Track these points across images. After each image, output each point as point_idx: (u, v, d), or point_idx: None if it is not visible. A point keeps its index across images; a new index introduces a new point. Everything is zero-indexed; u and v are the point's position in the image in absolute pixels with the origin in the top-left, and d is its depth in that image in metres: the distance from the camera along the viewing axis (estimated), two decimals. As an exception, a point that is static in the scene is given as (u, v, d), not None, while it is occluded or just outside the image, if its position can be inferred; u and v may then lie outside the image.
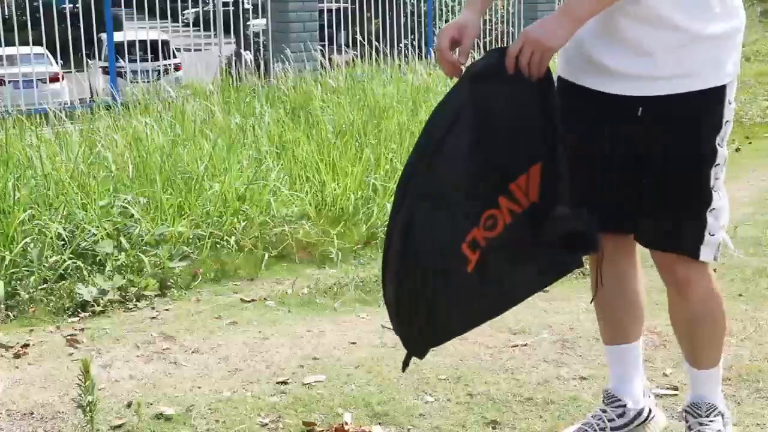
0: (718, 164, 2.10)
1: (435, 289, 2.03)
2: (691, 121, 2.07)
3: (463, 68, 2.07)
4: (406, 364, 2.15)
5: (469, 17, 2.13)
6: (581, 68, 2.14)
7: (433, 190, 1.96)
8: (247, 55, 11.78)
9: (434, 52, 2.21)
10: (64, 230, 4.25)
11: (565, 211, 2.07)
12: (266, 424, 2.61)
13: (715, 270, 2.29)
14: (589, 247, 2.14)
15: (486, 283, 2.07)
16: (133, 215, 4.44)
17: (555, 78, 2.13)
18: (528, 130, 2.06)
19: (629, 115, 2.10)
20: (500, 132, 2.02)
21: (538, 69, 2.00)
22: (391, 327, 2.16)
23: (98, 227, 4.28)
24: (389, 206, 4.98)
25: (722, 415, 2.33)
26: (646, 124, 2.09)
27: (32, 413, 2.74)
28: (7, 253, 4.02)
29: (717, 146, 2.08)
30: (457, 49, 2.11)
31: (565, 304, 3.71)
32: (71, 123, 6.64)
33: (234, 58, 11.65)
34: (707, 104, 2.07)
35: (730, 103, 2.09)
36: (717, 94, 2.07)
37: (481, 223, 2.01)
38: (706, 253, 2.12)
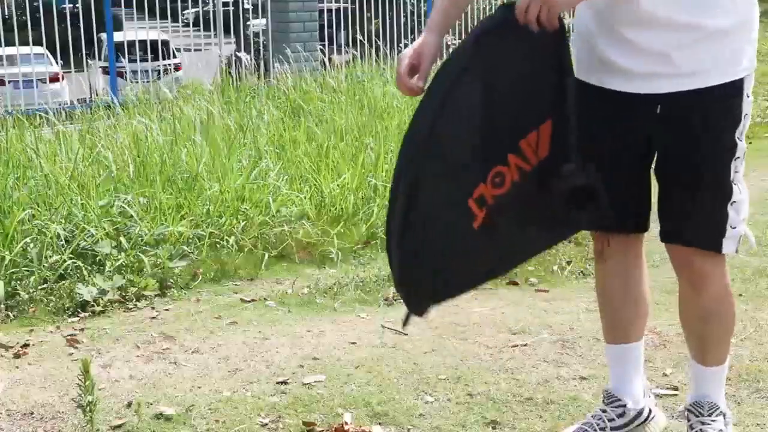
0: (738, 157, 2.11)
1: (440, 242, 2.02)
2: (711, 116, 2.09)
3: (424, 90, 2.08)
4: (406, 321, 2.16)
5: (428, 40, 2.15)
6: (594, 67, 2.16)
7: (440, 147, 1.95)
8: (245, 57, 11.78)
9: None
10: (64, 230, 4.25)
11: (573, 168, 2.07)
12: (266, 424, 2.61)
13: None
14: (597, 205, 2.12)
15: (492, 241, 2.06)
16: (132, 215, 4.43)
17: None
18: (539, 87, 2.05)
19: (647, 113, 2.12)
20: (510, 89, 2.01)
21: (548, 23, 1.99)
22: (393, 285, 2.15)
23: (98, 227, 4.28)
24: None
25: (724, 415, 2.33)
26: (665, 121, 2.11)
27: (32, 413, 2.74)
28: (7, 252, 4.02)
29: (737, 140, 2.10)
30: (416, 76, 2.13)
31: (565, 304, 3.71)
32: (71, 123, 6.64)
33: (233, 58, 11.65)
34: (726, 98, 2.08)
35: (748, 97, 2.10)
36: (735, 88, 2.08)
37: (488, 179, 2.01)
38: (728, 246, 2.14)
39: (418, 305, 2.15)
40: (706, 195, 2.12)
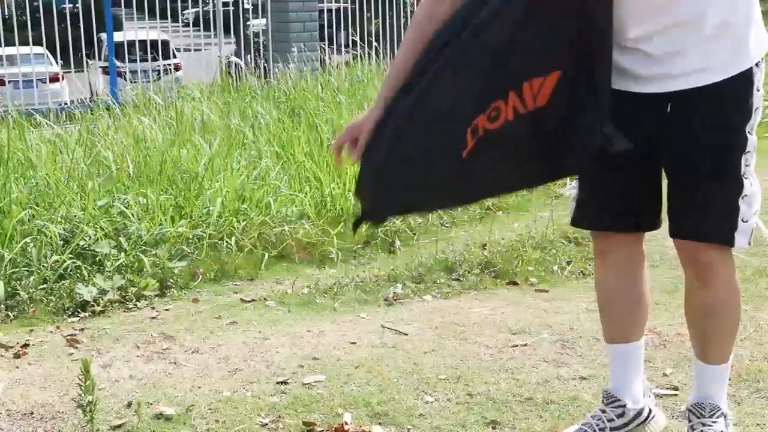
0: (749, 151, 2.12)
1: (431, 155, 2.04)
2: (720, 112, 2.10)
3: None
4: (356, 225, 2.16)
5: (372, 116, 2.16)
6: None
7: (460, 56, 1.98)
8: (240, 61, 11.78)
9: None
10: (64, 230, 4.25)
11: (589, 122, 2.10)
12: (266, 424, 2.61)
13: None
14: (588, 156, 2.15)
15: (472, 170, 2.08)
16: (132, 215, 4.43)
17: None
18: (561, 37, 2.05)
19: (657, 112, 2.13)
20: (537, 30, 2.02)
21: None
22: (358, 190, 2.16)
23: (97, 227, 4.27)
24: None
25: (725, 416, 2.33)
26: (675, 119, 2.12)
27: (32, 413, 2.74)
28: (7, 252, 4.02)
29: (747, 134, 2.11)
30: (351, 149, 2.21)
31: (565, 304, 3.70)
32: (71, 123, 6.64)
33: (232, 62, 11.65)
34: (734, 92, 2.09)
35: (758, 90, 2.11)
36: (743, 82, 2.09)
37: (487, 111, 2.02)
38: (740, 240, 2.14)
39: (379, 211, 2.17)
40: (717, 189, 2.13)
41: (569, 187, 2.50)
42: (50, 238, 4.14)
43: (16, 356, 3.23)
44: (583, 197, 2.34)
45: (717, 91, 2.07)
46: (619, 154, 2.17)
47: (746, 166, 2.12)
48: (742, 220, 2.13)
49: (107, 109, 7.47)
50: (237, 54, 12.62)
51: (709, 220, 2.15)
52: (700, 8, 2.03)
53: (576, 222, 2.39)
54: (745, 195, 2.13)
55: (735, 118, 2.10)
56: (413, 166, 2.05)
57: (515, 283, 4.13)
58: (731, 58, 2.06)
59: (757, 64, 2.09)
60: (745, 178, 2.12)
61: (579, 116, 2.10)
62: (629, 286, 2.38)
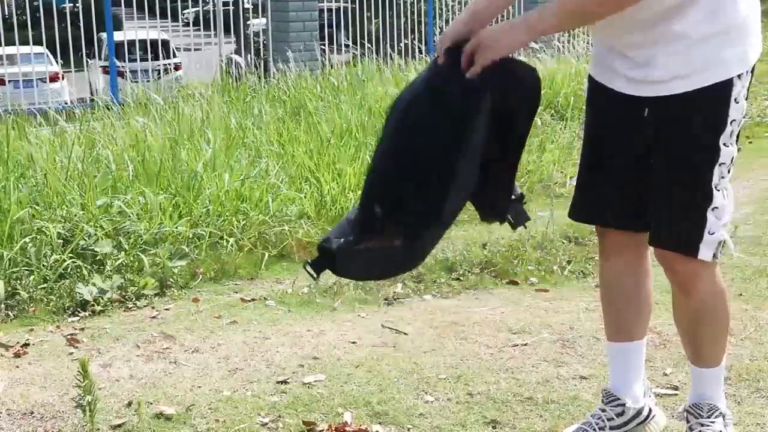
0: (723, 163, 2.10)
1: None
2: (691, 121, 2.10)
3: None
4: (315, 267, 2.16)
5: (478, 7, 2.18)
6: (605, 66, 2.22)
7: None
8: (240, 59, 11.78)
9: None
10: (64, 230, 4.25)
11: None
12: (266, 424, 2.61)
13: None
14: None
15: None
16: (132, 214, 4.43)
17: (586, 77, 2.26)
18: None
19: (639, 116, 2.15)
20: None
21: (474, 67, 2.03)
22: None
23: (97, 227, 4.27)
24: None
25: (723, 416, 2.33)
26: (651, 124, 2.15)
27: (32, 413, 2.74)
28: (7, 252, 4.02)
29: (721, 145, 2.09)
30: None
31: (565, 304, 3.71)
32: (71, 122, 6.64)
33: (232, 61, 11.66)
34: (708, 102, 2.08)
35: (737, 102, 2.08)
36: (719, 92, 2.07)
37: None
38: (704, 252, 2.13)
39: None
40: (683, 198, 2.13)
41: (572, 182, 2.52)
42: (50, 237, 4.14)
43: (17, 356, 3.23)
44: (582, 193, 2.36)
45: (690, 100, 2.07)
46: (614, 154, 2.22)
47: (721, 177, 2.11)
48: (709, 232, 2.12)
49: (107, 108, 7.47)
50: (237, 53, 12.62)
51: (674, 229, 2.15)
52: (680, 21, 2.04)
53: (573, 214, 2.41)
54: (715, 207, 2.11)
55: (708, 128, 2.10)
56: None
57: (515, 283, 4.13)
58: (707, 69, 2.06)
59: (739, 76, 2.08)
60: (717, 190, 2.11)
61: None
62: (632, 285, 2.39)
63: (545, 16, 2.05)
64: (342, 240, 2.10)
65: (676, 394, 2.76)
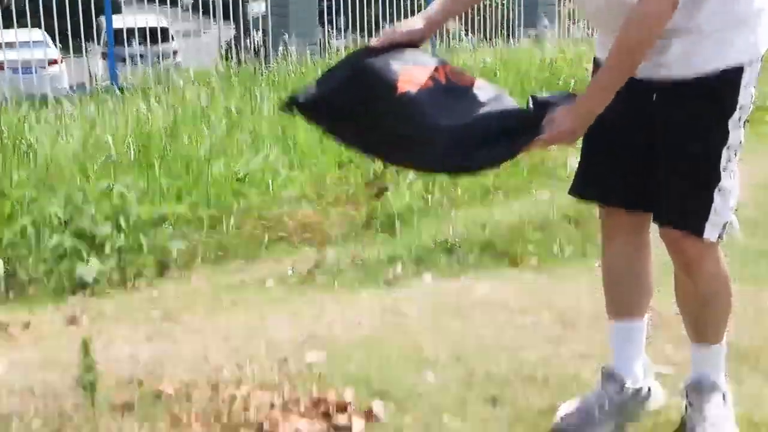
0: (730, 146, 2.12)
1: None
2: (700, 105, 2.11)
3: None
4: (287, 105, 2.21)
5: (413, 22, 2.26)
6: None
7: None
8: (247, 40, 11.75)
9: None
10: (64, 212, 4.25)
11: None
12: (267, 402, 2.61)
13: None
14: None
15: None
16: (133, 197, 4.43)
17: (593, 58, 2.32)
18: None
19: (647, 98, 2.17)
20: None
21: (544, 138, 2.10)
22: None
23: (97, 209, 4.27)
24: (390, 187, 4.99)
25: (723, 394, 2.34)
26: (660, 107, 2.16)
27: (33, 392, 2.74)
28: (7, 232, 4.02)
29: (729, 129, 2.11)
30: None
31: (565, 285, 3.71)
32: (70, 107, 6.63)
33: (233, 42, 11.62)
34: (717, 88, 2.11)
35: (746, 88, 2.11)
36: (729, 78, 2.09)
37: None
38: (710, 232, 2.14)
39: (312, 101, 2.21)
40: (690, 179, 2.14)
41: (572, 162, 2.52)
42: (50, 219, 4.13)
43: (17, 336, 3.23)
44: (584, 172, 2.36)
45: (700, 85, 2.09)
46: (618, 136, 2.23)
47: (728, 161, 2.13)
48: (715, 213, 2.13)
49: (107, 93, 7.46)
50: (236, 39, 12.58)
51: (681, 207, 2.16)
52: (694, 14, 2.05)
53: (575, 192, 2.41)
54: (722, 188, 2.13)
55: (716, 112, 2.11)
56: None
57: (515, 264, 4.13)
58: (718, 55, 2.08)
59: (749, 63, 2.10)
60: (724, 172, 2.13)
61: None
62: (634, 265, 2.39)
63: (597, 91, 2.10)
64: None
65: (676, 373, 2.76)
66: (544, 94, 2.20)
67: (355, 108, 2.15)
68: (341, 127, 2.25)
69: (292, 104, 2.21)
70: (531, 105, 2.16)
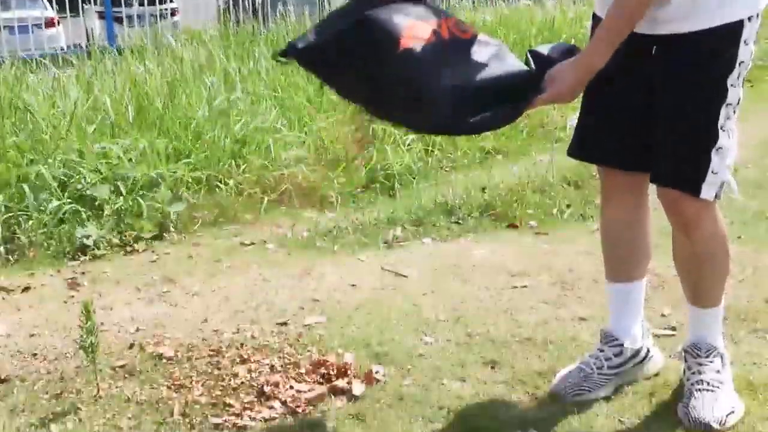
0: (730, 104, 2.11)
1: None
2: (699, 60, 2.10)
3: None
4: (282, 53, 2.18)
5: None
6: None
7: None
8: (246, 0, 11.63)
9: None
10: (63, 175, 4.24)
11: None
12: (267, 365, 2.63)
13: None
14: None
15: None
16: (131, 159, 4.42)
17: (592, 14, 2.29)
18: None
19: (645, 54, 2.15)
20: None
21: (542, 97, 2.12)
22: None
23: (95, 171, 4.26)
24: (389, 150, 4.97)
25: (721, 356, 2.34)
26: (658, 62, 2.14)
27: (35, 354, 2.76)
28: (4, 196, 4.01)
29: (728, 86, 2.10)
30: None
31: (564, 247, 3.71)
32: (68, 68, 6.59)
33: (231, 2, 11.51)
34: (717, 43, 2.09)
35: (746, 44, 2.10)
36: (729, 33, 2.08)
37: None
38: (707, 191, 2.13)
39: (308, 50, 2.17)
40: (688, 137, 2.13)
41: (571, 122, 2.51)
42: (48, 182, 4.13)
43: (18, 299, 3.24)
44: (583, 131, 2.36)
45: (700, 40, 2.08)
46: (617, 93, 2.21)
47: (726, 119, 2.12)
48: (712, 172, 2.12)
49: (104, 54, 7.40)
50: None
51: (678, 166, 2.15)
52: None
53: (573, 152, 2.40)
54: (720, 147, 2.12)
55: (716, 68, 2.10)
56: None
57: (515, 226, 4.13)
58: (718, 10, 2.06)
59: (749, 18, 2.08)
60: (722, 131, 2.11)
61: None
62: (633, 226, 2.39)
63: (596, 48, 2.09)
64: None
65: (674, 335, 2.78)
66: (543, 48, 2.18)
67: (355, 61, 2.11)
68: (339, 78, 2.21)
69: (290, 51, 2.17)
70: (531, 61, 2.14)
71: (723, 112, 2.11)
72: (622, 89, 2.23)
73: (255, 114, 5.20)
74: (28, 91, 5.48)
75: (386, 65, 2.08)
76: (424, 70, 2.07)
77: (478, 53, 2.13)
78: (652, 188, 2.28)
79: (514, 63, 2.16)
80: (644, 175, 2.27)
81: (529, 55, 2.15)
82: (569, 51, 2.16)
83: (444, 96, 2.06)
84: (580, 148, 2.39)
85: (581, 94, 2.23)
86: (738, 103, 2.13)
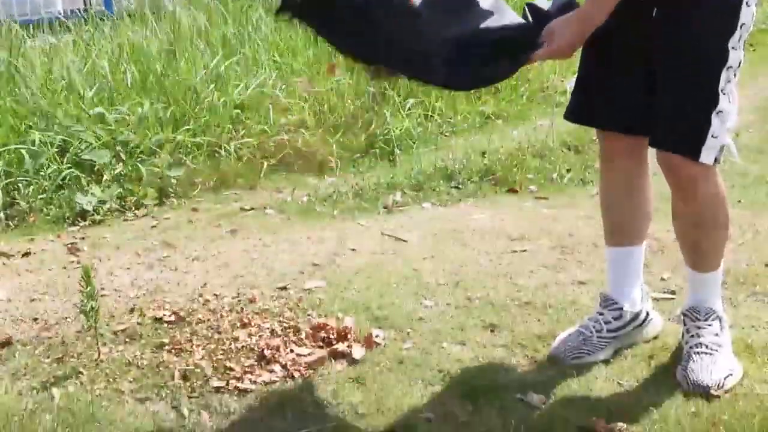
0: (731, 67, 2.10)
1: None
2: (702, 22, 2.08)
3: None
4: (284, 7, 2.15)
5: None
6: None
7: None
8: None
9: None
10: (61, 141, 4.22)
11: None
12: (267, 329, 2.64)
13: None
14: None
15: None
16: (129, 124, 4.40)
17: None
18: None
19: (646, 16, 2.13)
20: None
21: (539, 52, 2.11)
22: None
23: (95, 136, 4.24)
24: (388, 114, 4.95)
25: (720, 319, 2.35)
26: (660, 24, 2.12)
27: (36, 319, 2.77)
28: (2, 162, 4.01)
29: (729, 48, 2.08)
30: None
31: (564, 211, 3.71)
32: (65, 33, 6.54)
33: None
34: (719, 5, 2.07)
35: (748, 6, 2.08)
36: None
37: None
38: (707, 155, 2.12)
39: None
40: (688, 100, 2.12)
41: (571, 82, 2.50)
42: (47, 147, 4.12)
43: (18, 264, 3.25)
44: (582, 94, 2.35)
45: (701, 2, 2.06)
46: (617, 56, 2.20)
47: (727, 81, 2.10)
48: (712, 136, 2.11)
49: (101, 19, 7.34)
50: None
51: (677, 130, 2.14)
52: None
53: (572, 116, 2.39)
54: (720, 111, 2.10)
55: (718, 31, 2.08)
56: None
57: (515, 191, 4.13)
58: None
59: None
60: (723, 94, 2.10)
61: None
62: (633, 190, 2.39)
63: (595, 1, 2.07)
64: None
65: (673, 299, 2.78)
66: (541, 1, 2.16)
67: (355, 11, 2.09)
68: (338, 30, 2.17)
69: (288, 3, 2.14)
70: (528, 15, 2.12)
71: (724, 75, 2.09)
72: (622, 52, 2.21)
73: (254, 78, 5.17)
74: (25, 55, 5.44)
75: (385, 16, 2.07)
76: (422, 21, 2.06)
77: (478, 4, 2.11)
78: (652, 152, 2.27)
79: (512, 17, 2.14)
80: (643, 139, 2.27)
81: (527, 9, 2.13)
82: (568, 5, 2.13)
83: (442, 49, 2.06)
84: (578, 112, 2.38)
85: (580, 52, 2.22)
86: (739, 66, 2.12)
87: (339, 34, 2.18)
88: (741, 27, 2.08)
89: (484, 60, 2.05)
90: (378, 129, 4.89)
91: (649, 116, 2.19)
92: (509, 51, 2.07)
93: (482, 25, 2.09)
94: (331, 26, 2.18)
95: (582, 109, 2.36)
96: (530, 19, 2.12)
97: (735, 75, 2.12)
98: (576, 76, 2.39)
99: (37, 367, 2.47)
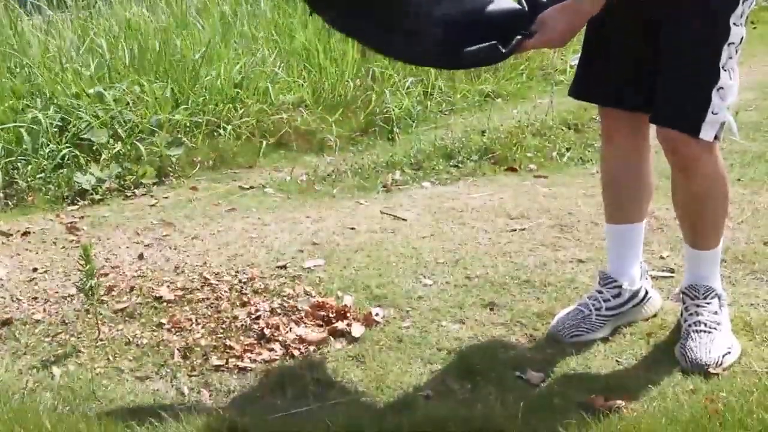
0: (732, 43, 2.09)
1: None
2: None
3: None
4: None
5: None
6: None
7: None
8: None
9: None
10: (60, 120, 4.21)
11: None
12: (267, 307, 2.64)
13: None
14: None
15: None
16: (128, 103, 4.39)
17: None
18: None
19: None
20: None
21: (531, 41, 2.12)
22: None
23: (93, 115, 4.23)
24: (388, 93, 4.93)
25: (719, 298, 2.36)
26: (659, 3, 2.11)
27: (36, 298, 2.77)
28: (2, 142, 4.00)
29: (731, 24, 2.07)
30: None
31: (563, 190, 3.71)
32: (62, 11, 6.50)
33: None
34: None
35: None
36: None
37: None
38: (707, 132, 2.12)
39: None
40: (689, 77, 2.11)
41: (573, 59, 2.50)
42: (45, 127, 4.11)
43: (17, 244, 3.25)
44: (584, 71, 2.34)
45: None
46: (619, 32, 2.19)
47: (728, 58, 2.10)
48: (712, 112, 2.10)
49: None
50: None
51: (677, 106, 2.13)
52: None
53: (574, 92, 2.39)
54: (721, 87, 2.10)
55: (719, 6, 2.08)
56: None
57: (514, 170, 4.12)
58: None
59: None
60: (724, 70, 2.09)
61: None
62: (633, 167, 2.39)
63: None
64: None
65: (672, 277, 2.79)
66: None
67: None
68: (330, 6, 2.16)
69: None
70: (524, 1, 2.11)
71: (725, 51, 2.08)
72: (623, 28, 2.20)
73: (252, 56, 5.15)
74: (22, 34, 5.42)
75: None
76: (417, 1, 2.06)
77: None
78: (653, 130, 2.27)
79: (508, 1, 2.13)
80: (644, 116, 2.26)
81: None
82: None
83: (435, 27, 2.05)
84: (581, 89, 2.37)
85: (577, 36, 2.21)
86: (740, 43, 2.11)
87: (328, 8, 2.16)
88: (743, 3, 2.07)
89: (476, 40, 2.04)
90: (377, 107, 4.87)
91: (649, 93, 2.19)
92: (501, 35, 2.06)
93: (476, 6, 2.08)
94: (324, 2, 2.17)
95: (585, 85, 2.36)
96: (525, 5, 2.11)
97: (737, 51, 2.11)
98: (578, 54, 2.38)
99: (37, 346, 2.48)
